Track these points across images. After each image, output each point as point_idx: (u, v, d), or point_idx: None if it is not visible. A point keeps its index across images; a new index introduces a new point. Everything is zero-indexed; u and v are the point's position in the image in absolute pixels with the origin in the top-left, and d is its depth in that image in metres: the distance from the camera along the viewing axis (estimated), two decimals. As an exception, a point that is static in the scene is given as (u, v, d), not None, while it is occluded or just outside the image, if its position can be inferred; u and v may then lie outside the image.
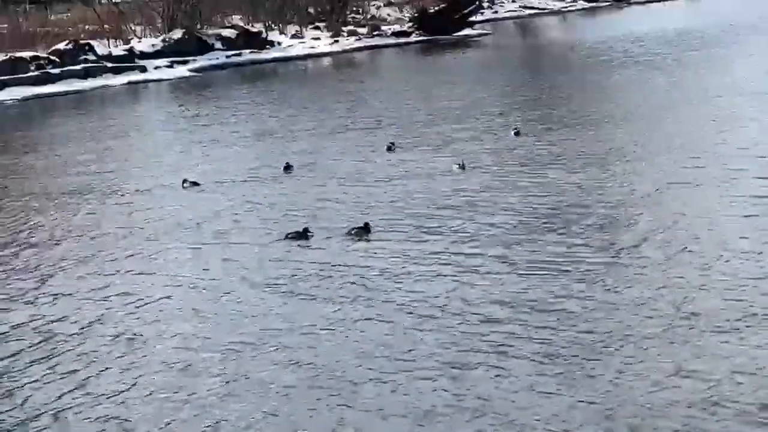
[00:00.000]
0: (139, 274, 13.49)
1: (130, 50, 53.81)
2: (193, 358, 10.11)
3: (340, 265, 12.81)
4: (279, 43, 60.75)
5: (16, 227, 17.33)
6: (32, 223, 17.56)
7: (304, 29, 65.37)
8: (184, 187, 19.10)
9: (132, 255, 14.49)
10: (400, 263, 12.66)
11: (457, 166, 18.36)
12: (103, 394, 9.43)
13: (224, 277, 12.87)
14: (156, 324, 11.34)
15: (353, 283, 12.03)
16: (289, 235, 14.28)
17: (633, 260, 11.94)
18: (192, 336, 10.79)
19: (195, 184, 19.18)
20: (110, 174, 22.01)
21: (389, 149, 21.15)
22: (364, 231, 14.11)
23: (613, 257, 12.13)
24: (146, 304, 12.11)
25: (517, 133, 21.51)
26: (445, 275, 11.99)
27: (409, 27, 64.98)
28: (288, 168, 19.92)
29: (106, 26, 57.14)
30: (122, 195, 19.43)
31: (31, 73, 47.87)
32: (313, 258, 13.26)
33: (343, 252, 13.45)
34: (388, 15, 74.85)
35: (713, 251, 11.96)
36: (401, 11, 75.55)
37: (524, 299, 10.91)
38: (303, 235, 14.18)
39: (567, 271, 11.70)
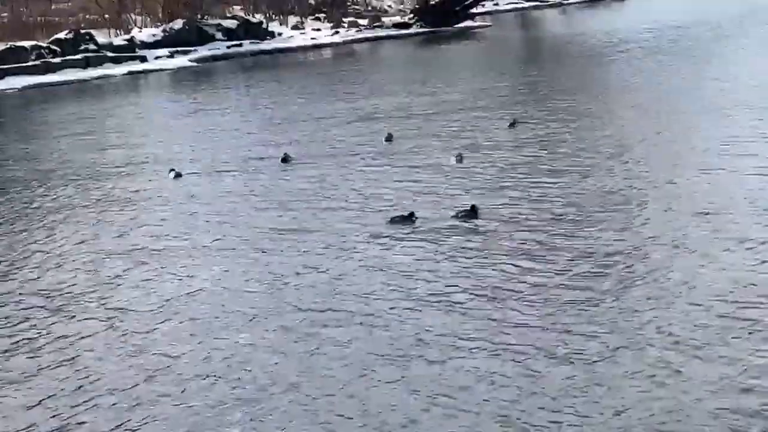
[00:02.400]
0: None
1: (131, 40, 53.95)
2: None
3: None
4: (280, 34, 60.87)
5: (17, 212, 17.53)
6: (38, 208, 17.75)
7: (304, 20, 65.49)
8: (171, 177, 19.31)
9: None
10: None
11: (455, 158, 18.41)
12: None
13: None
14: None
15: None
16: (395, 219, 14.33)
17: (630, 251, 11.96)
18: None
19: (179, 175, 19.35)
20: (107, 164, 22.20)
21: (388, 140, 21.25)
22: (472, 214, 14.09)
23: (607, 249, 12.20)
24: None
25: (512, 125, 21.60)
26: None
27: (410, 19, 65.07)
28: (286, 159, 20.02)
29: (106, 16, 57.27)
30: (122, 191, 19.58)
31: (31, 63, 48.04)
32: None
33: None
34: (389, 6, 74.92)
35: (713, 241, 11.98)
36: (402, 2, 75.66)
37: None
38: (408, 218, 14.23)
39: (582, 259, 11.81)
